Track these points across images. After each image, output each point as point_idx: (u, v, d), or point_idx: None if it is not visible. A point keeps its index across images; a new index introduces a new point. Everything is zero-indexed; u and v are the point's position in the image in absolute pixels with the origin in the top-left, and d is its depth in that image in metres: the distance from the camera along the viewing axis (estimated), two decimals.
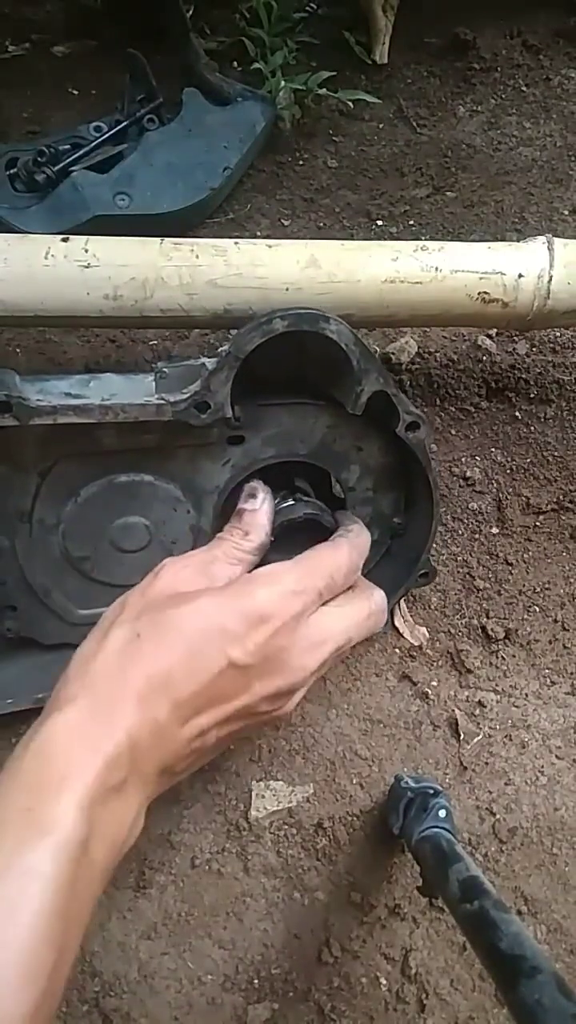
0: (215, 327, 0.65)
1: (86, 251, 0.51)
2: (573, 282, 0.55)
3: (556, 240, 0.55)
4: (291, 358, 0.52)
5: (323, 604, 0.44)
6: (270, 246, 0.53)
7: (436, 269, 0.53)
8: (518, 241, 0.57)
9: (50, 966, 0.29)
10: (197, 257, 0.51)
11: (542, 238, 0.56)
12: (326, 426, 0.56)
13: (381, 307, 0.54)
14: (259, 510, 0.49)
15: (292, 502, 0.53)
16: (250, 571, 0.47)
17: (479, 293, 0.54)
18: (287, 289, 0.52)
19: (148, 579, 0.43)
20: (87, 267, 0.50)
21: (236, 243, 0.52)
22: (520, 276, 0.54)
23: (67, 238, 0.51)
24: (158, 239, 0.52)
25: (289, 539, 0.51)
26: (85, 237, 0.52)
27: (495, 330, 0.73)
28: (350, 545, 0.47)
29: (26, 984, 0.28)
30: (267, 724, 0.44)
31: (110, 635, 0.39)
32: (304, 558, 0.44)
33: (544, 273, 0.54)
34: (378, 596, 0.48)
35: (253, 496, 0.51)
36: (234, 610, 0.39)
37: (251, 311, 0.53)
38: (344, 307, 0.53)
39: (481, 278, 0.54)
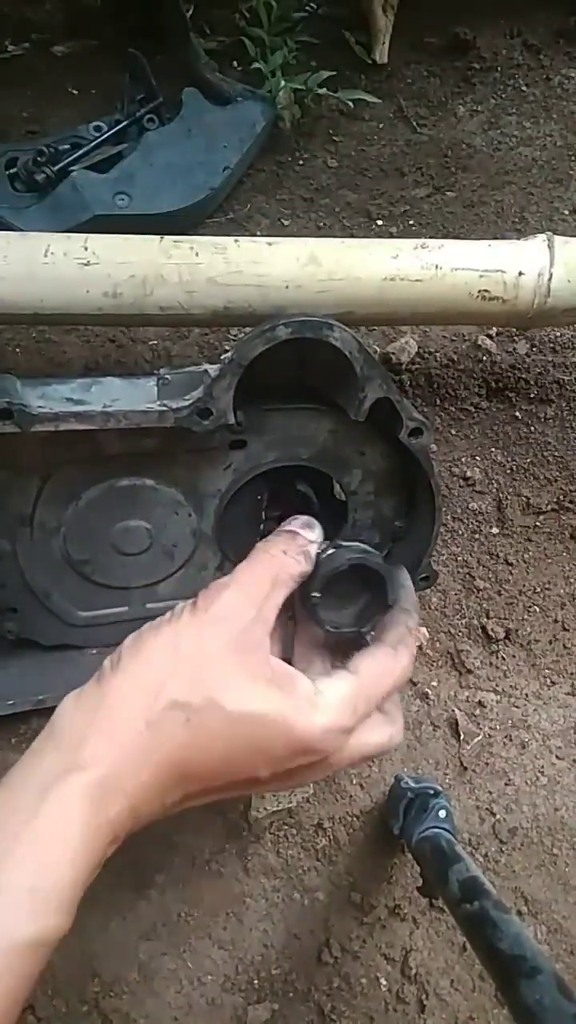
0: (215, 325, 0.64)
1: (86, 249, 0.50)
2: (573, 280, 0.55)
3: (556, 238, 0.55)
4: (293, 364, 0.52)
5: None
6: (270, 244, 0.53)
7: (436, 267, 0.53)
8: (518, 240, 0.57)
9: None
10: (197, 255, 0.51)
11: (542, 236, 0.56)
12: (328, 431, 0.56)
13: (381, 305, 0.54)
14: (314, 542, 0.45)
15: (332, 550, 0.46)
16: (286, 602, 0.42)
17: (479, 291, 0.54)
18: (287, 287, 0.52)
19: (196, 623, 0.37)
20: (87, 265, 0.50)
21: (236, 241, 0.52)
22: (520, 274, 0.54)
23: (67, 236, 0.51)
24: (158, 237, 0.52)
25: (336, 585, 0.45)
26: (84, 235, 0.51)
27: (495, 328, 0.73)
28: (411, 655, 0.43)
29: None
30: None
31: (161, 709, 0.35)
32: (367, 675, 0.40)
33: (544, 271, 0.54)
34: (398, 731, 0.43)
35: (310, 527, 0.46)
36: (287, 737, 0.36)
37: (251, 309, 0.52)
38: (344, 305, 0.53)
39: (481, 276, 0.54)
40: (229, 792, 0.37)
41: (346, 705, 0.38)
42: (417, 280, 0.53)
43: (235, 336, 0.70)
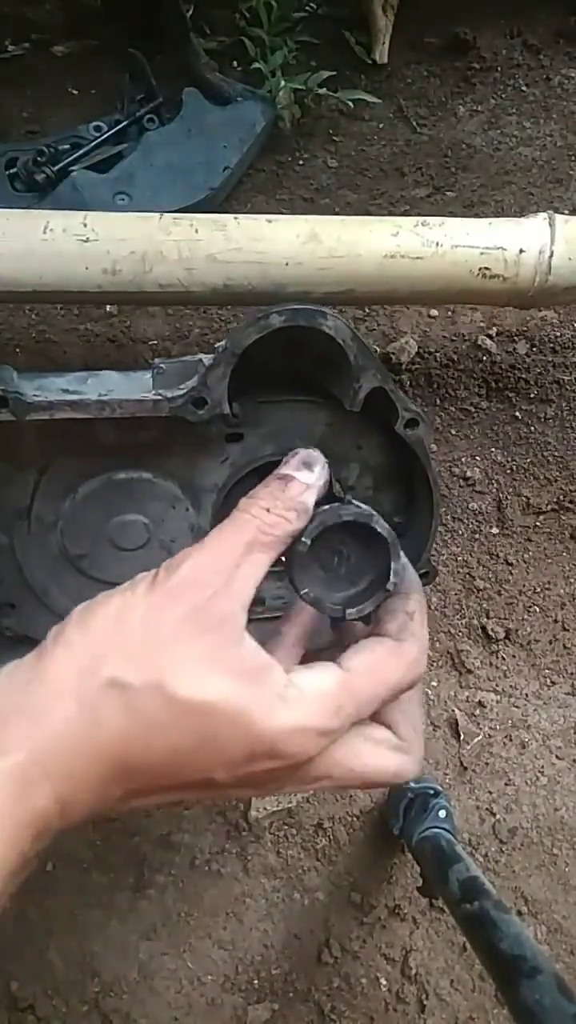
0: (215, 303, 0.64)
1: (85, 225, 0.50)
2: (574, 257, 0.54)
3: (557, 216, 0.55)
4: (289, 355, 0.52)
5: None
6: (270, 221, 0.52)
7: (437, 244, 0.53)
8: (519, 218, 0.57)
9: None
10: (196, 232, 0.51)
11: (543, 214, 0.55)
12: (325, 424, 0.56)
13: (381, 282, 0.54)
14: (312, 487, 0.36)
15: (335, 503, 0.40)
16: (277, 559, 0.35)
17: (480, 268, 0.54)
18: (287, 264, 0.52)
19: (153, 594, 0.32)
20: (86, 241, 0.50)
21: (236, 218, 0.52)
22: (521, 251, 0.54)
23: (66, 213, 0.51)
24: (157, 214, 0.52)
25: (330, 549, 0.40)
26: (84, 212, 0.51)
27: (495, 328, 0.73)
28: (420, 647, 0.35)
29: None
30: None
31: (97, 687, 0.29)
32: (359, 670, 0.33)
33: (545, 248, 0.54)
34: (412, 763, 0.35)
35: (309, 466, 0.37)
36: (245, 734, 0.30)
37: (251, 286, 0.52)
38: (344, 282, 0.53)
39: (482, 253, 0.54)
40: (184, 793, 0.32)
41: (326, 703, 0.31)
42: (417, 257, 0.53)
43: None
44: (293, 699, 0.31)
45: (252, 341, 0.47)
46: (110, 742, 0.29)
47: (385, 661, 0.34)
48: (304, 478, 0.36)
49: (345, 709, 0.32)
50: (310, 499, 0.35)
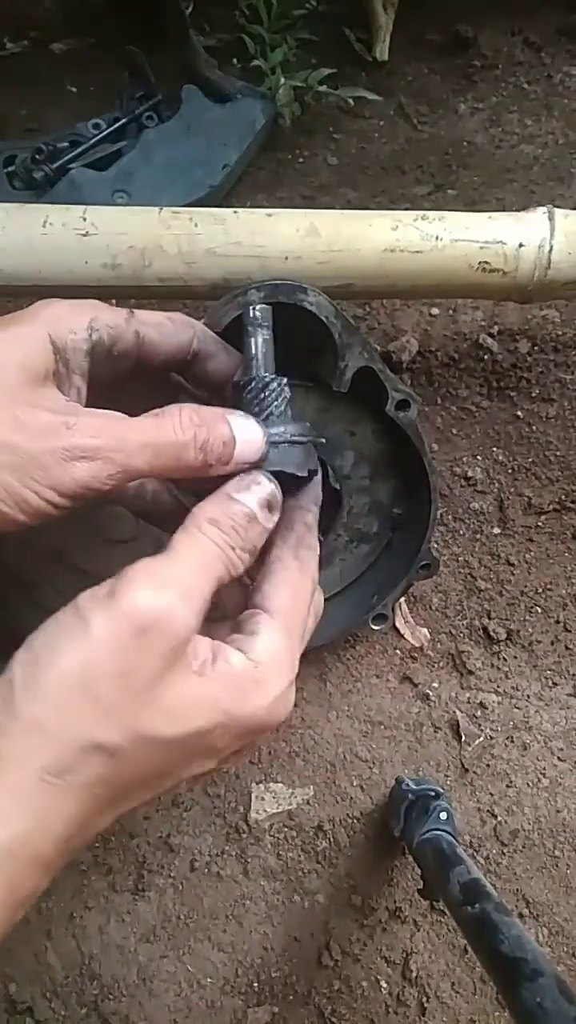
0: (214, 298, 0.65)
1: (84, 220, 0.51)
2: (574, 252, 0.55)
3: (557, 211, 0.55)
4: (279, 340, 0.52)
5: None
6: (269, 215, 0.52)
7: (436, 238, 0.53)
8: (519, 212, 0.57)
9: None
10: (196, 226, 0.51)
11: (543, 208, 0.55)
12: (316, 409, 0.55)
13: (381, 277, 0.54)
14: (267, 532, 0.35)
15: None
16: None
17: (479, 263, 0.54)
18: (286, 258, 0.52)
19: (117, 641, 0.28)
20: (85, 235, 0.50)
21: (235, 212, 0.52)
22: (521, 246, 0.54)
23: (66, 207, 0.51)
24: (156, 208, 0.52)
25: None
26: (83, 206, 0.51)
27: (497, 327, 0.72)
28: (316, 557, 0.37)
29: None
30: None
31: (75, 753, 0.27)
32: (286, 607, 0.34)
33: (545, 243, 0.54)
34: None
35: (272, 509, 0.35)
36: (236, 729, 0.31)
37: (250, 280, 0.52)
38: (343, 276, 0.53)
39: (481, 247, 0.54)
40: (174, 790, 0.34)
41: (285, 661, 0.32)
42: (417, 252, 0.53)
43: None
44: (262, 677, 0.31)
45: (231, 319, 0.46)
46: (97, 792, 0.28)
47: (300, 585, 0.34)
48: (266, 523, 0.34)
49: (296, 650, 0.33)
50: (261, 543, 0.34)
